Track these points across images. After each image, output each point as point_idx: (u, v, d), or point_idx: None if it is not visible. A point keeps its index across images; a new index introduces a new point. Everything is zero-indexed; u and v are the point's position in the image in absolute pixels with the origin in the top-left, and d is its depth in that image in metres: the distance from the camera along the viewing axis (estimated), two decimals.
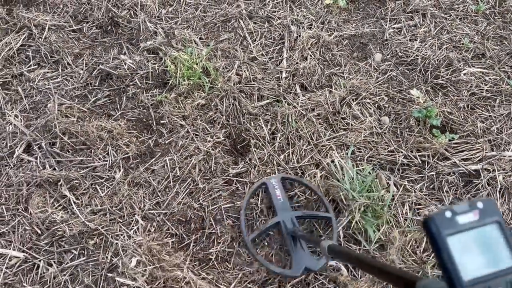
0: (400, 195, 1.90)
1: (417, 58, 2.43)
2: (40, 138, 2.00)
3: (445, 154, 2.04)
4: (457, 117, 2.18)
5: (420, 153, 2.05)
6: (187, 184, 1.94)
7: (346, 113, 2.19)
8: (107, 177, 1.93)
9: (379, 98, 2.25)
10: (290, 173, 1.97)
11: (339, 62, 2.41)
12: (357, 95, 2.25)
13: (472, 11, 2.71)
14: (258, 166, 1.99)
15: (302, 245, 1.70)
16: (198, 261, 1.75)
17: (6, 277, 1.69)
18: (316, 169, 1.98)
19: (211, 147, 2.03)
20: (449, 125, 2.17)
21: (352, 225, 1.78)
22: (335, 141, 2.08)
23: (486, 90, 2.32)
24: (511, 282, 0.54)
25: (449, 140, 2.09)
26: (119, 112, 2.16)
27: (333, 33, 2.52)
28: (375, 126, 2.14)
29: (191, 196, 1.91)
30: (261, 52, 2.42)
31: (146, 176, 1.94)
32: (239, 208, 1.87)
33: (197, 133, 2.08)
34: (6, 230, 1.80)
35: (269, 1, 2.67)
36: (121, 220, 1.82)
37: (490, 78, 2.38)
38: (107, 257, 1.72)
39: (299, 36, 2.46)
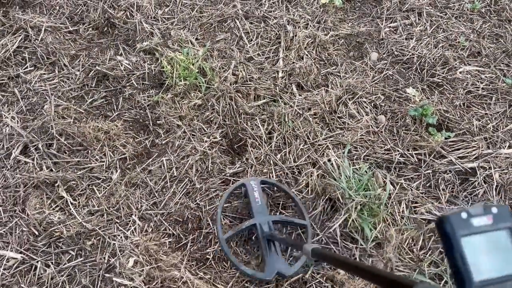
0: (396, 193, 1.91)
1: (413, 57, 2.44)
2: (37, 139, 2.00)
3: (441, 152, 2.05)
4: (453, 115, 2.19)
5: (416, 152, 2.05)
6: (184, 184, 1.94)
7: (343, 112, 2.19)
8: (104, 178, 1.94)
9: (375, 97, 2.26)
10: (287, 173, 1.97)
11: (335, 61, 2.41)
12: (354, 94, 2.25)
13: (467, 10, 2.72)
14: (255, 165, 1.99)
15: (277, 249, 1.69)
16: (196, 261, 1.75)
17: (4, 278, 1.69)
18: (313, 168, 1.99)
19: (208, 147, 2.03)
20: (445, 123, 2.18)
21: (349, 224, 1.78)
22: (331, 140, 2.09)
23: (482, 88, 2.33)
24: None
25: (445, 138, 2.10)
26: (116, 113, 2.16)
27: (329, 33, 2.53)
28: (371, 125, 2.15)
29: (188, 196, 1.92)
30: (257, 52, 2.43)
31: (143, 177, 1.95)
32: (236, 207, 1.88)
33: (193, 133, 2.08)
34: (4, 231, 1.80)
35: (265, 1, 2.67)
36: (118, 221, 1.82)
37: (486, 76, 2.38)
38: (104, 258, 1.72)
39: (295, 35, 2.47)
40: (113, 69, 2.29)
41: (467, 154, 2.05)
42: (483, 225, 0.58)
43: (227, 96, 2.16)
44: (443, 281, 1.67)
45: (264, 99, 2.23)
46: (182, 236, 1.81)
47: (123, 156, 2.00)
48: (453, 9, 2.72)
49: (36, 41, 2.39)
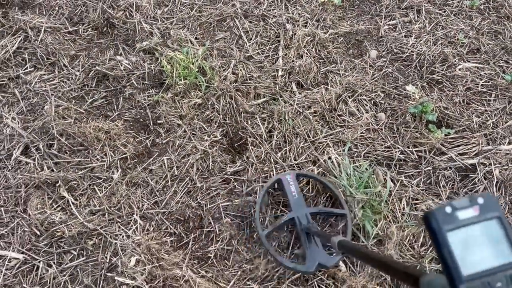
0: (397, 190, 1.91)
1: (413, 54, 2.45)
2: (38, 140, 2.01)
3: (442, 149, 2.05)
4: (453, 112, 2.19)
5: (416, 149, 2.06)
6: (185, 183, 1.94)
7: (343, 110, 2.20)
8: (105, 177, 1.94)
9: (375, 95, 2.26)
10: (287, 170, 1.98)
11: (335, 59, 2.42)
12: (353, 92, 2.26)
13: (466, 7, 2.72)
14: (256, 164, 2.00)
15: (316, 241, 1.70)
16: (197, 260, 1.76)
17: (6, 278, 1.69)
18: (313, 166, 1.99)
19: (208, 146, 2.04)
20: (445, 120, 2.18)
21: (352, 221, 1.78)
22: (331, 138, 2.09)
23: (482, 85, 2.33)
24: (510, 276, 0.54)
25: (445, 135, 2.10)
26: (116, 113, 2.16)
27: (328, 31, 2.53)
28: (371, 123, 2.15)
29: (189, 195, 1.92)
30: (257, 51, 2.43)
31: (144, 176, 1.95)
32: (237, 206, 1.88)
33: (194, 133, 2.08)
34: (5, 232, 1.80)
35: (264, 0, 2.67)
36: (119, 220, 1.82)
37: (485, 73, 2.39)
38: (106, 257, 1.72)
39: (295, 34, 2.47)
40: (113, 69, 2.29)
41: (467, 151, 2.06)
42: (469, 217, 0.57)
43: (227, 95, 2.17)
44: None
45: (264, 97, 2.23)
46: (183, 235, 1.82)
47: (124, 155, 2.01)
48: (452, 6, 2.73)
49: (36, 41, 2.39)
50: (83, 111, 2.16)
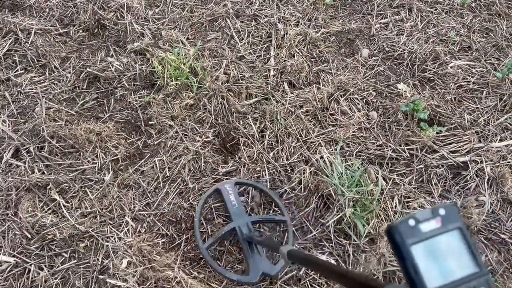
0: (389, 188, 1.91)
1: (404, 53, 2.45)
2: (28, 142, 2.00)
3: (433, 147, 2.05)
4: (444, 110, 2.20)
5: (408, 147, 2.06)
6: (177, 184, 1.94)
7: (335, 109, 2.20)
8: (97, 179, 1.93)
9: (367, 93, 2.27)
10: (279, 170, 1.98)
11: (327, 58, 2.42)
12: (345, 91, 2.26)
13: (457, 4, 2.73)
14: (248, 164, 1.99)
15: (259, 250, 1.68)
16: (189, 261, 1.75)
17: None
18: (306, 165, 1.99)
19: (200, 146, 2.03)
20: (437, 118, 2.18)
21: (343, 220, 1.78)
22: (324, 137, 2.09)
23: (473, 82, 2.34)
24: None
25: (437, 133, 2.11)
26: (107, 115, 2.16)
27: (320, 30, 2.53)
28: (363, 121, 2.15)
29: (181, 196, 1.92)
30: (248, 51, 2.43)
31: (136, 178, 1.94)
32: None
33: (186, 133, 2.08)
34: None
35: (255, 0, 2.67)
36: (111, 222, 1.82)
37: (476, 71, 2.39)
38: (98, 259, 1.72)
39: (286, 33, 2.47)
40: (104, 70, 2.29)
41: (459, 148, 2.06)
42: (432, 229, 0.56)
43: (218, 95, 2.16)
44: None
45: (256, 97, 2.23)
46: (175, 236, 1.81)
47: (115, 157, 2.00)
48: (443, 4, 2.73)
49: (26, 44, 2.38)
50: (74, 113, 2.15)
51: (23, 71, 2.30)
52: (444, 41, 2.53)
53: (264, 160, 2.01)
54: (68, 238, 1.76)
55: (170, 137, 2.06)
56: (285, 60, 2.35)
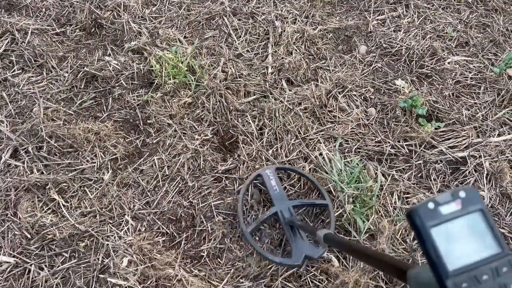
0: (388, 184, 1.92)
1: (402, 49, 2.45)
2: (27, 142, 1.99)
3: (432, 142, 2.06)
4: (442, 106, 2.20)
5: (407, 143, 2.06)
6: (176, 182, 1.94)
7: (333, 106, 2.20)
8: (96, 178, 1.93)
9: (365, 90, 2.27)
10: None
11: (324, 55, 2.42)
12: (343, 88, 2.26)
13: (454, 0, 2.74)
14: (247, 162, 1.99)
15: (301, 234, 1.71)
16: (190, 259, 1.75)
17: None
18: (305, 162, 1.99)
19: (199, 145, 2.03)
20: (435, 113, 2.19)
21: (343, 216, 1.79)
22: (322, 134, 2.09)
23: (471, 78, 2.34)
24: (496, 269, 0.54)
25: (435, 129, 2.11)
26: (106, 114, 2.15)
27: (317, 27, 2.53)
28: (362, 118, 2.15)
29: (181, 194, 1.92)
30: (246, 49, 2.42)
31: (135, 176, 1.94)
32: (229, 204, 1.88)
33: (184, 132, 2.08)
34: None
35: None
36: (111, 221, 1.82)
37: (474, 66, 2.40)
38: (98, 259, 1.71)
39: (284, 31, 2.47)
40: (101, 69, 2.28)
41: (457, 144, 2.07)
42: (452, 212, 0.56)
43: (217, 93, 2.16)
44: None
45: (254, 95, 2.23)
46: (175, 234, 1.81)
47: (114, 156, 2.00)
48: (440, 0, 2.74)
49: (23, 43, 2.37)
50: (72, 113, 2.14)
51: (20, 71, 2.30)
52: (441, 37, 2.54)
53: (263, 158, 2.01)
54: (68, 237, 1.76)
55: (169, 135, 2.06)
56: (283, 58, 2.35)
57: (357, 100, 2.23)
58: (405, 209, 1.86)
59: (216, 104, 2.15)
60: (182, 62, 2.23)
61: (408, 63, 2.41)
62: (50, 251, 1.75)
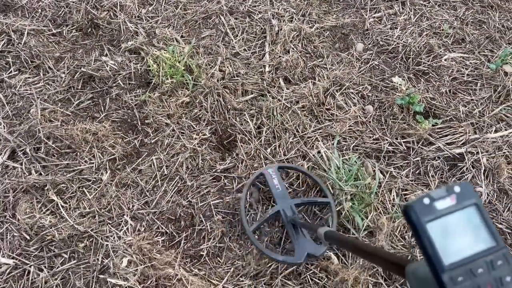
0: (386, 182, 1.92)
1: (398, 46, 2.46)
2: (25, 144, 1.99)
3: (429, 139, 2.07)
4: (439, 102, 2.21)
5: (404, 140, 2.07)
6: (175, 182, 1.94)
7: (331, 104, 2.20)
8: (94, 179, 1.93)
9: (363, 88, 2.27)
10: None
11: (322, 53, 2.42)
12: (341, 86, 2.26)
13: None
14: (246, 160, 1.99)
15: (304, 232, 1.71)
16: (190, 258, 1.75)
17: None
18: (303, 160, 1.99)
19: (197, 144, 2.03)
20: (432, 110, 2.19)
21: (341, 214, 1.79)
22: (320, 132, 2.10)
23: (467, 75, 2.35)
24: (491, 262, 0.55)
25: (433, 125, 2.12)
26: (103, 114, 2.15)
27: (314, 25, 2.53)
28: (359, 115, 2.16)
29: (180, 194, 1.92)
30: (243, 47, 2.42)
31: (134, 177, 1.94)
32: (228, 203, 1.88)
33: (182, 131, 2.08)
34: None
35: None
36: (110, 222, 1.81)
37: (470, 62, 2.41)
38: (98, 259, 1.71)
39: (281, 29, 2.47)
40: (98, 70, 2.28)
41: (455, 140, 2.08)
42: (447, 207, 0.57)
43: (214, 92, 2.16)
44: None
45: (252, 94, 2.23)
46: (175, 234, 1.81)
47: (112, 157, 1.99)
48: None
49: (20, 44, 2.36)
50: (70, 113, 2.14)
51: (17, 72, 2.29)
52: (437, 34, 2.55)
53: (262, 156, 2.01)
54: (67, 238, 1.75)
55: (167, 135, 2.06)
56: (280, 56, 2.35)
57: (354, 98, 2.23)
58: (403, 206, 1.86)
59: (214, 103, 2.15)
60: (179, 62, 2.23)
61: (405, 60, 2.41)
62: (49, 252, 1.74)
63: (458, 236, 0.56)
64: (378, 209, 1.83)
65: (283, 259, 1.65)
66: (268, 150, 2.03)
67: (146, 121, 2.11)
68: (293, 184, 1.94)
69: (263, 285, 1.67)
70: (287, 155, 2.01)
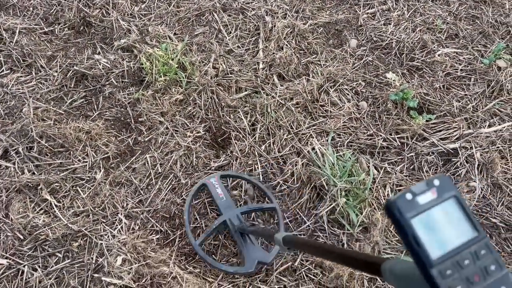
0: (381, 177, 1.93)
1: (392, 42, 2.46)
2: (17, 143, 1.97)
3: (423, 134, 2.07)
4: (433, 98, 2.21)
5: (398, 135, 2.07)
6: (169, 180, 1.93)
7: (325, 100, 2.20)
8: (88, 178, 1.92)
9: (356, 84, 2.27)
10: (272, 163, 1.98)
11: (315, 50, 2.42)
12: (335, 82, 2.26)
13: None
14: (240, 158, 1.99)
15: (252, 240, 1.68)
16: (185, 256, 1.75)
17: None
18: (298, 157, 1.99)
19: (191, 142, 2.02)
20: (426, 106, 2.20)
21: (336, 210, 1.79)
22: (314, 129, 2.09)
23: (461, 70, 2.36)
24: (475, 252, 0.55)
25: (427, 121, 2.12)
26: (97, 113, 2.14)
27: (307, 22, 2.53)
28: (353, 112, 2.16)
29: (174, 192, 1.91)
30: (237, 44, 2.42)
31: (128, 175, 1.93)
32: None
33: (176, 129, 2.07)
34: None
35: None
36: (104, 220, 1.81)
37: (464, 58, 2.41)
38: (92, 258, 1.71)
39: (274, 26, 2.46)
40: (91, 68, 2.26)
41: (449, 135, 2.08)
42: (429, 201, 0.56)
43: (208, 90, 2.15)
44: None
45: (246, 91, 2.22)
46: (170, 232, 1.81)
47: (106, 155, 1.98)
48: None
49: (11, 43, 2.34)
50: (63, 112, 2.13)
51: (8, 71, 2.27)
52: (431, 30, 2.55)
53: (256, 153, 2.01)
54: (61, 237, 1.74)
55: (161, 133, 2.05)
56: (273, 53, 2.35)
57: (348, 94, 2.23)
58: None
59: (207, 101, 2.14)
60: (172, 59, 2.22)
61: (398, 56, 2.41)
62: (43, 251, 1.73)
63: (442, 229, 0.56)
64: (373, 204, 1.83)
65: (235, 271, 1.64)
66: (263, 147, 2.03)
67: (139, 119, 2.10)
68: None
69: (258, 282, 1.67)
70: (282, 152, 2.01)
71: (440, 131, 2.10)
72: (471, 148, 2.03)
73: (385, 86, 2.26)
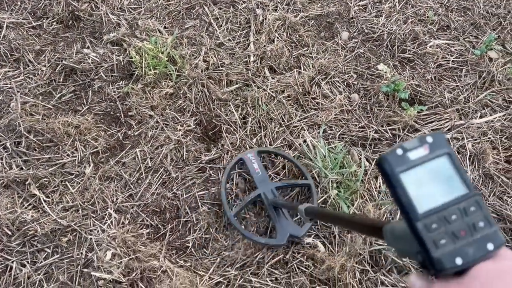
0: (372, 169, 1.92)
1: (383, 34, 2.44)
2: (5, 138, 1.95)
3: (415, 126, 2.06)
4: (425, 89, 2.21)
5: (390, 127, 2.06)
6: (160, 174, 1.91)
7: (316, 93, 2.19)
8: (77, 173, 1.90)
9: (348, 76, 2.26)
10: (263, 156, 1.96)
11: (307, 42, 2.40)
12: (326, 74, 2.25)
13: None
14: (231, 151, 1.98)
15: (285, 214, 1.73)
16: (175, 250, 1.74)
17: None
18: (289, 150, 1.98)
19: (182, 135, 2.01)
20: (418, 97, 2.19)
21: (328, 202, 1.78)
22: (306, 121, 2.08)
23: (452, 61, 2.35)
24: (464, 209, 0.55)
25: (418, 112, 2.11)
26: (86, 107, 2.11)
27: (299, 14, 2.51)
28: (345, 104, 2.15)
29: (165, 186, 1.89)
30: (227, 38, 2.40)
31: (117, 169, 1.91)
32: (213, 194, 1.86)
33: (166, 123, 2.05)
34: None
35: None
36: (94, 215, 1.79)
37: (455, 49, 2.40)
38: (81, 253, 1.69)
39: (265, 19, 2.44)
40: (80, 62, 2.24)
41: (440, 126, 2.07)
42: (420, 157, 0.57)
43: (198, 83, 2.13)
44: None
45: (236, 84, 2.20)
46: (160, 226, 1.79)
47: (95, 150, 1.96)
48: None
49: None
50: (51, 107, 2.10)
51: None
52: (422, 21, 2.54)
53: (247, 147, 1.99)
54: (50, 233, 1.73)
55: (151, 127, 2.03)
56: (264, 46, 2.33)
57: (340, 86, 2.22)
58: (389, 193, 1.86)
59: (198, 94, 2.12)
60: (162, 53, 2.19)
61: (390, 48, 2.40)
62: (32, 247, 1.71)
63: (432, 185, 0.56)
64: (364, 196, 1.82)
65: (266, 242, 1.67)
66: (254, 140, 2.01)
67: (129, 113, 2.08)
68: (279, 174, 1.92)
69: (250, 275, 1.66)
70: (273, 145, 1.99)
71: (431, 122, 2.09)
72: (463, 139, 2.03)
73: (376, 78, 2.25)
